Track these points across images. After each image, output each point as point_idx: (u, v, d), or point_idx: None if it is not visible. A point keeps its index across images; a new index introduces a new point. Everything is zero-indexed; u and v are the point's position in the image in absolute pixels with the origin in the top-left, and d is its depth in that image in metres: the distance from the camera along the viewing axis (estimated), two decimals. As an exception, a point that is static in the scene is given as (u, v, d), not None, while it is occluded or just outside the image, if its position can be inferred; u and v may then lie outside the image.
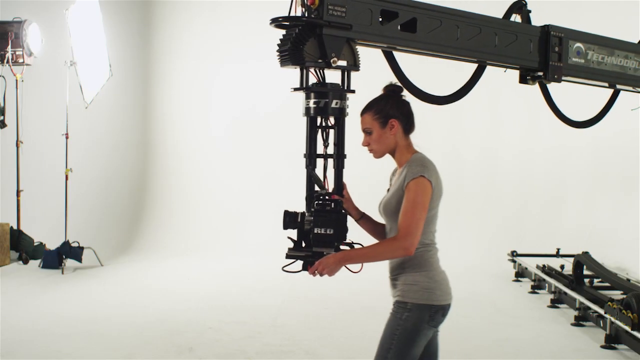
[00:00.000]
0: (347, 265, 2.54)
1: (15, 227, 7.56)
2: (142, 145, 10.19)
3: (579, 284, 6.26)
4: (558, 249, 7.70)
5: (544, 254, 7.70)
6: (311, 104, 2.51)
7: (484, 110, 9.17)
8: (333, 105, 2.52)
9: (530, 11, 3.25)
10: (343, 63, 2.55)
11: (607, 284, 6.34)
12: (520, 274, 7.63)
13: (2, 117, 7.58)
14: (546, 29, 3.18)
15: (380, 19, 2.67)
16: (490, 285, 7.29)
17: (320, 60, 2.46)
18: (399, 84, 2.83)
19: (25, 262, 7.56)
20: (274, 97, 9.65)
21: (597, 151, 8.60)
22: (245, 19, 9.74)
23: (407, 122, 2.72)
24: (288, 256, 2.56)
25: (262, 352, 4.83)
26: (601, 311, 5.23)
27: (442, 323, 2.70)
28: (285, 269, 2.60)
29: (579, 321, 5.70)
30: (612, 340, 5.03)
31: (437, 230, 2.75)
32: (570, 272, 6.51)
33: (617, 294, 5.93)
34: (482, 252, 8.67)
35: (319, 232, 2.47)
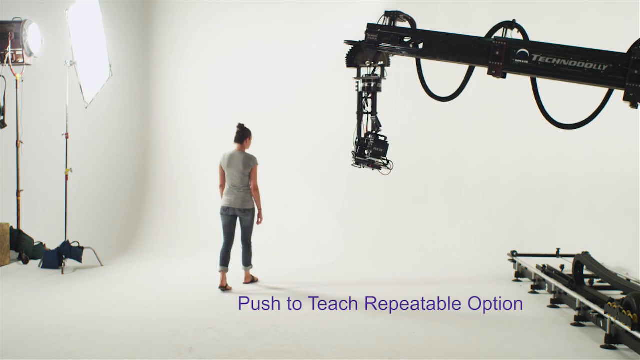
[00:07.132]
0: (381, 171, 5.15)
1: (15, 227, 7.58)
2: (142, 145, 10.19)
3: (579, 284, 6.26)
4: (558, 249, 7.70)
5: (544, 254, 7.71)
6: (364, 85, 4.94)
7: (485, 110, 9.17)
8: (376, 85, 5.08)
9: (519, 26, 4.53)
10: (381, 62, 5.03)
11: (607, 284, 6.34)
12: (520, 274, 7.63)
13: (2, 117, 7.59)
14: (490, 41, 4.52)
15: (400, 40, 4.93)
16: (490, 285, 7.29)
17: (367, 63, 4.99)
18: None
19: (25, 262, 7.57)
20: (274, 97, 9.66)
21: (597, 151, 8.59)
22: (245, 19, 9.74)
23: None
24: (357, 161, 4.89)
25: (262, 352, 4.83)
26: (601, 311, 5.23)
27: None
28: (353, 165, 4.96)
29: (579, 321, 5.70)
30: (612, 340, 5.03)
31: None
32: (570, 272, 6.51)
33: (617, 294, 5.93)
34: (482, 252, 8.68)
35: (376, 149, 4.85)
